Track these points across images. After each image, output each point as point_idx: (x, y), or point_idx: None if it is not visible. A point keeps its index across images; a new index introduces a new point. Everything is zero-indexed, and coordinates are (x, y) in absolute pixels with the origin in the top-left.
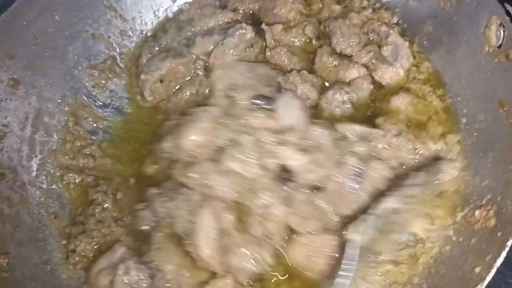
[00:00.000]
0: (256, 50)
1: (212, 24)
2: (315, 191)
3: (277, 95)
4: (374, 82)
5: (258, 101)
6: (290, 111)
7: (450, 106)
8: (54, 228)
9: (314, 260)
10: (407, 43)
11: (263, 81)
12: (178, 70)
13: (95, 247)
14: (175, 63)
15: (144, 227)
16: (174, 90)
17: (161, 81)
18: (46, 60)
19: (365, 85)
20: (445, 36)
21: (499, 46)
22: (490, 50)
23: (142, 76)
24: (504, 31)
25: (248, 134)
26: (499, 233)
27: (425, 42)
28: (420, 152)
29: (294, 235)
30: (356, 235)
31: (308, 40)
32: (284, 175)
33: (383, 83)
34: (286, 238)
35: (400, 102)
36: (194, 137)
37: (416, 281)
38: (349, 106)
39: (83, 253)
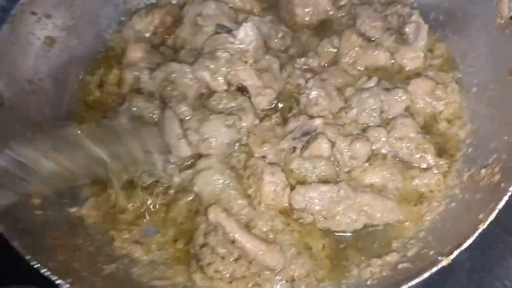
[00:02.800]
0: None
1: None
2: None
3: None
4: (395, 62)
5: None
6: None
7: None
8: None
9: None
10: (427, 26)
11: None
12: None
13: None
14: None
15: None
16: None
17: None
18: (80, 22)
19: (404, 97)
20: (460, 11)
21: (511, 18)
22: (502, 22)
23: None
24: None
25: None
26: (502, 184)
27: (440, 17)
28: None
29: None
30: None
31: None
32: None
33: (405, 67)
34: None
35: (418, 85)
36: None
37: (422, 235)
38: (376, 116)
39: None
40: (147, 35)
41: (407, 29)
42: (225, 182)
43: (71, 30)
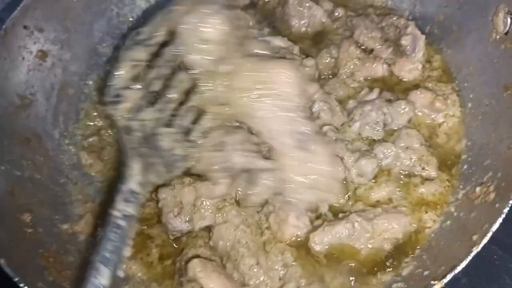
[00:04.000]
0: None
1: None
2: None
3: None
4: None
5: None
6: None
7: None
8: (75, 195)
9: None
10: (424, 36)
11: None
12: None
13: None
14: None
15: None
16: None
17: None
18: (73, 35)
19: (407, 109)
20: (455, 25)
21: (506, 33)
22: (497, 37)
23: None
24: (511, 19)
25: None
26: (497, 205)
27: (435, 30)
28: None
29: None
30: None
31: None
32: None
33: (403, 79)
34: None
35: (417, 96)
36: None
37: (417, 253)
38: (379, 130)
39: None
40: None
41: (403, 41)
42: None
43: (64, 43)
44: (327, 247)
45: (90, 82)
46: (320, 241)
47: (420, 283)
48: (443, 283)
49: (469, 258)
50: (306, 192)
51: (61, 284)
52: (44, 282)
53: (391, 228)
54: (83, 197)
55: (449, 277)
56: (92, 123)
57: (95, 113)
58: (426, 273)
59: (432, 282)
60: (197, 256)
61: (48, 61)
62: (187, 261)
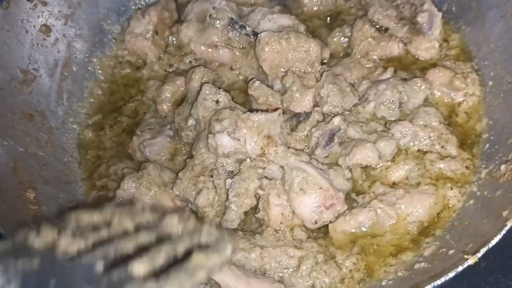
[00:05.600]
0: None
1: None
2: None
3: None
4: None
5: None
6: None
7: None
8: (79, 174)
9: None
10: (440, 13)
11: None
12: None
13: None
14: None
15: None
16: None
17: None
18: (77, 11)
19: (423, 86)
20: (474, 2)
21: None
22: None
23: None
24: None
25: None
26: None
27: (453, 8)
28: None
29: None
30: None
31: None
32: None
33: (419, 58)
34: None
35: (435, 75)
36: None
37: (438, 234)
38: (395, 109)
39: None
40: (149, 36)
41: (419, 19)
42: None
43: (68, 18)
44: (348, 234)
45: (95, 60)
46: (342, 231)
47: (446, 262)
48: (477, 258)
49: (503, 232)
50: None
51: None
52: None
53: (415, 212)
54: (88, 176)
55: (482, 251)
56: (96, 102)
57: (100, 92)
58: (451, 252)
59: (465, 256)
60: None
61: (52, 36)
62: None
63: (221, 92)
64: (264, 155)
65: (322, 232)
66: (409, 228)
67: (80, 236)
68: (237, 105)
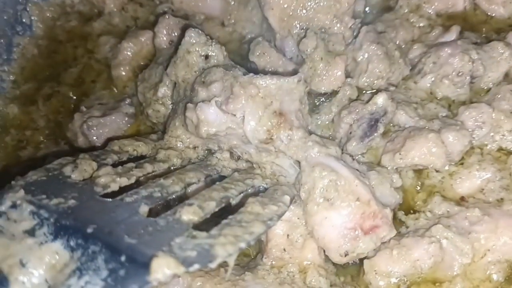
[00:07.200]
0: None
1: None
2: None
3: None
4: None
5: None
6: None
7: None
8: None
9: None
10: None
11: None
12: None
13: None
14: None
15: None
16: None
17: None
18: None
19: (507, 54)
20: None
21: None
22: None
23: None
24: None
25: None
26: None
27: None
28: None
29: None
30: None
31: None
32: None
33: (493, 15)
34: None
35: None
36: None
37: None
38: (464, 86)
39: None
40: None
41: None
42: None
43: None
44: (397, 280)
45: (33, 8)
46: (386, 273)
47: None
48: None
49: None
50: None
51: None
52: None
53: (500, 245)
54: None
55: None
56: (29, 65)
57: (36, 51)
58: None
59: None
60: None
61: None
62: None
63: (212, 44)
64: (272, 142)
65: (351, 271)
66: (491, 272)
67: (122, 172)
68: (235, 64)
